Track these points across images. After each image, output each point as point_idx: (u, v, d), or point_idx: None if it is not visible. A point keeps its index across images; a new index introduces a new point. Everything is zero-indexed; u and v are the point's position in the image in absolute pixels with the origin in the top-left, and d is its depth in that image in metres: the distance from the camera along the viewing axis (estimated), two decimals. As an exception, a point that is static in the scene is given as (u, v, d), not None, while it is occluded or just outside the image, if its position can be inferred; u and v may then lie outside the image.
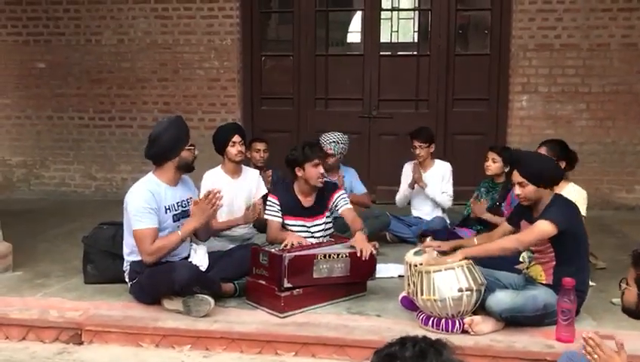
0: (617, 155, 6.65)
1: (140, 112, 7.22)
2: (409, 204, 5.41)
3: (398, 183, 5.56)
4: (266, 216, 4.13)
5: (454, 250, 3.49)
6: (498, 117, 6.88)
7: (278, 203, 4.09)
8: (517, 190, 3.39)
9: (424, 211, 5.28)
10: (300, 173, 4.05)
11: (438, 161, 5.31)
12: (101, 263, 3.96)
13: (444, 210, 5.27)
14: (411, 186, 5.21)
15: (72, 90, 7.29)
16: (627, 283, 2.20)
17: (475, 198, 4.91)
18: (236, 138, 4.39)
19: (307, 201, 4.14)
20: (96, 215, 6.10)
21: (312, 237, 4.11)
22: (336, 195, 4.16)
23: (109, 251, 3.93)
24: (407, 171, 5.36)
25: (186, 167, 3.61)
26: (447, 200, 5.20)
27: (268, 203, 4.17)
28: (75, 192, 7.41)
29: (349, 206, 4.17)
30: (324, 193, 4.15)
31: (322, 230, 4.17)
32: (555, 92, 6.64)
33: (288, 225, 4.11)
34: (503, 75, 6.79)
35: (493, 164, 4.82)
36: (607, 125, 6.63)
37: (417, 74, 6.97)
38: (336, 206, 4.15)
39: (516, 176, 3.36)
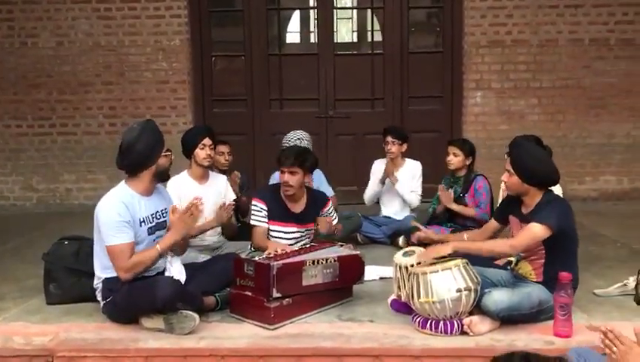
0: (568, 148, 6.81)
1: (83, 118, 6.84)
2: (377, 202, 5.34)
3: (358, 183, 5.48)
4: (252, 222, 3.98)
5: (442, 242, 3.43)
6: (453, 114, 6.93)
7: (265, 208, 3.94)
8: (504, 176, 3.36)
9: (393, 209, 5.22)
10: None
11: (409, 161, 5.26)
12: (64, 281, 3.64)
13: (412, 210, 5.22)
14: (382, 181, 5.14)
15: (7, 96, 6.83)
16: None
17: (442, 188, 4.89)
18: (207, 141, 4.19)
19: (295, 207, 4.01)
20: (43, 228, 5.73)
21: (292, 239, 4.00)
22: (326, 209, 4.12)
23: (73, 268, 3.63)
24: (377, 168, 5.29)
25: (163, 175, 3.38)
26: (415, 199, 5.16)
27: (254, 207, 4.00)
28: (14, 206, 6.94)
29: (334, 221, 4.19)
30: (317, 202, 4.07)
31: (304, 239, 4.06)
32: (508, 88, 6.75)
33: (274, 231, 3.97)
34: (456, 72, 6.84)
35: (455, 158, 4.84)
36: (558, 119, 6.79)
37: (372, 72, 6.92)
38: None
39: (507, 163, 3.33)
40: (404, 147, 5.17)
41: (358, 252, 3.64)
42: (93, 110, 6.83)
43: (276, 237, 3.96)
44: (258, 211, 3.94)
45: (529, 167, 3.22)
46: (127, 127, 3.43)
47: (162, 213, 3.38)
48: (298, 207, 4.01)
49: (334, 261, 3.43)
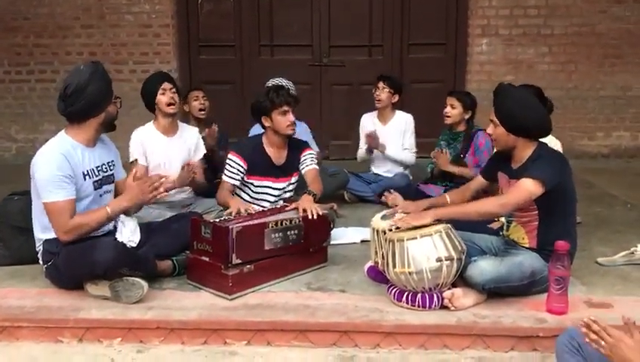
0: (579, 101, 6.38)
1: (62, 64, 6.45)
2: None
3: (353, 137, 5.10)
4: (223, 176, 3.59)
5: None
6: (456, 62, 6.47)
7: (242, 164, 3.55)
8: (489, 128, 2.98)
9: (384, 167, 4.84)
10: (267, 123, 3.55)
11: (399, 113, 4.84)
12: (12, 241, 3.33)
13: (406, 167, 4.83)
14: (369, 152, 4.75)
15: (-19, 40, 6.44)
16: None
17: (438, 151, 4.49)
18: (166, 85, 3.79)
19: (278, 158, 3.62)
20: (19, 182, 5.36)
21: (281, 199, 3.65)
22: (305, 153, 3.70)
23: (21, 226, 3.30)
24: (365, 123, 4.90)
25: (110, 124, 3.01)
26: (410, 156, 4.78)
27: (229, 161, 3.59)
28: (-8, 156, 6.65)
29: (315, 166, 3.71)
30: (295, 151, 3.68)
31: (288, 191, 3.71)
32: (517, 35, 6.27)
33: (255, 185, 3.61)
34: (461, 16, 6.35)
35: (452, 110, 4.40)
36: (570, 69, 6.33)
37: (370, 17, 6.43)
38: (301, 164, 3.69)
39: (492, 113, 2.93)
40: (396, 98, 4.75)
41: (326, 211, 3.25)
42: (72, 55, 6.43)
43: (261, 193, 3.63)
44: (232, 167, 3.55)
45: (515, 115, 2.81)
46: (72, 68, 3.04)
47: (109, 166, 3.02)
48: (280, 158, 3.63)
49: (299, 221, 3.08)
